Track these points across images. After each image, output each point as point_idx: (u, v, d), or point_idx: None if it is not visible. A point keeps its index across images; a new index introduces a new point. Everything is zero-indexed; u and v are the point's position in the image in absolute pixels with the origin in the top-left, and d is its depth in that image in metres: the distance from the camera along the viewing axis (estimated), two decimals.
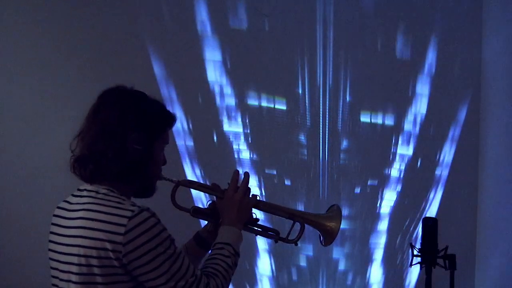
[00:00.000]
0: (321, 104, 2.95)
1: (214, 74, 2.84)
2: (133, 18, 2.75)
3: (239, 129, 2.89)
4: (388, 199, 3.06)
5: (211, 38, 2.82)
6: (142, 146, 1.45)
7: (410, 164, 3.06)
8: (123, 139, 1.42)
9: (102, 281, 1.36)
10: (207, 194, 1.75)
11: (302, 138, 2.96)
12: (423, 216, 2.79)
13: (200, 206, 2.05)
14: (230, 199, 1.67)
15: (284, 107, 2.93)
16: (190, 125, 2.83)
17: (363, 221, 3.04)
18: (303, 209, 2.94)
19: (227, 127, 2.87)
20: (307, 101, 2.94)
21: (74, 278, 1.39)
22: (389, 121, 3.03)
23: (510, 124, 2.84)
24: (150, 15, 2.77)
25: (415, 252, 2.42)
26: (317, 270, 3.02)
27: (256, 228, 1.81)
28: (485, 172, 3.06)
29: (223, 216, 1.67)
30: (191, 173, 2.84)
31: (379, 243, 3.07)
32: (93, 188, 1.45)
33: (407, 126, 3.04)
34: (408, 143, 3.05)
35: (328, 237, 1.82)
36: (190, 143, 2.84)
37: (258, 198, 1.74)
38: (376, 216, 3.05)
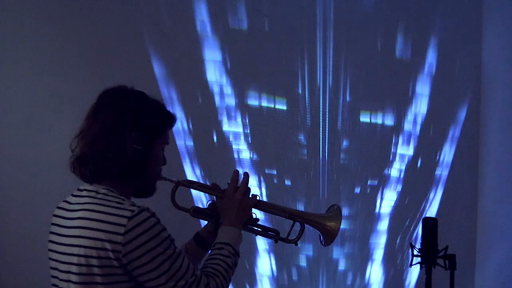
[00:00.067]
0: (321, 104, 2.95)
1: (214, 74, 2.83)
2: (133, 18, 2.74)
3: (239, 129, 2.89)
4: (388, 199, 3.06)
5: (211, 38, 2.82)
6: (142, 146, 1.45)
7: (410, 164, 3.06)
8: (123, 139, 1.42)
9: (102, 281, 1.36)
10: (207, 194, 1.75)
11: (302, 138, 2.96)
12: (423, 216, 2.79)
13: (200, 206, 2.05)
14: (230, 199, 1.67)
15: (284, 107, 2.93)
16: (190, 125, 2.83)
17: (363, 221, 3.04)
18: (303, 209, 2.94)
19: (227, 127, 2.87)
20: (307, 101, 2.94)
21: (73, 278, 1.39)
22: (389, 121, 3.03)
23: (510, 124, 2.84)
24: (150, 15, 2.77)
25: (415, 252, 2.42)
26: (317, 270, 3.02)
27: (256, 228, 1.81)
28: (485, 172, 3.06)
29: (223, 216, 1.67)
30: (191, 173, 2.84)
31: (379, 243, 3.07)
32: (92, 188, 1.45)
33: (407, 126, 3.04)
34: (408, 143, 3.05)
35: (328, 237, 1.82)
36: (190, 143, 2.84)
37: (258, 198, 1.74)
38: (376, 216, 3.05)
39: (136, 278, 1.38)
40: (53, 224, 1.49)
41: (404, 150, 3.06)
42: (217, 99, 2.84)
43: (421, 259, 2.40)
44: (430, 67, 3.05)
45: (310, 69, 2.93)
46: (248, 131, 2.89)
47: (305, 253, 3.00)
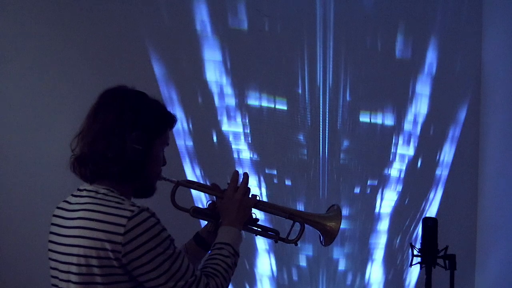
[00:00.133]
0: (321, 104, 2.95)
1: (214, 74, 2.83)
2: (133, 18, 2.74)
3: (239, 129, 2.89)
4: (388, 199, 3.06)
5: (211, 38, 2.82)
6: (142, 146, 1.45)
7: (410, 164, 3.06)
8: (123, 139, 1.43)
9: (102, 281, 1.36)
10: (207, 194, 1.76)
11: (302, 138, 2.96)
12: (423, 216, 2.79)
13: (200, 206, 2.05)
14: (230, 199, 1.67)
15: (284, 107, 2.93)
16: (190, 125, 2.83)
17: (363, 221, 3.04)
18: (303, 209, 2.94)
19: (227, 127, 2.87)
20: (307, 101, 2.94)
21: (73, 278, 1.39)
22: (389, 121, 3.03)
23: (510, 124, 2.84)
24: (150, 15, 2.77)
25: (415, 252, 2.42)
26: (317, 270, 3.02)
27: (256, 228, 1.81)
28: (485, 172, 3.06)
29: (223, 216, 1.67)
30: (191, 173, 2.84)
31: (379, 243, 3.07)
32: (92, 188, 1.45)
33: (407, 126, 3.04)
34: (408, 143, 3.05)
35: (328, 237, 1.83)
36: (190, 143, 2.84)
37: (258, 198, 1.74)
38: (376, 216, 3.05)
39: (136, 278, 1.38)
40: (53, 224, 1.49)
41: (404, 150, 3.06)
42: (217, 99, 2.84)
43: (421, 259, 2.40)
44: (430, 67, 3.04)
45: (310, 69, 2.93)
46: (248, 131, 2.89)
47: (305, 253, 3.00)
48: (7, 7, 2.62)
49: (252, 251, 2.93)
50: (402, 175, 3.06)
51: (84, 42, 2.69)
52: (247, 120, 2.88)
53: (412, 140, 3.05)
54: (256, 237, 2.73)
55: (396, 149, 3.04)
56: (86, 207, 1.41)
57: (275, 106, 2.92)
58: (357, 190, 3.02)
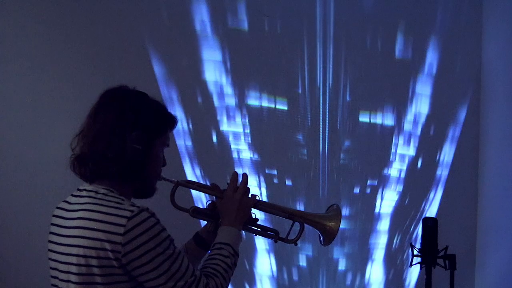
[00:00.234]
0: (321, 104, 2.95)
1: (214, 74, 2.83)
2: (133, 18, 2.74)
3: (239, 129, 2.89)
4: (388, 199, 3.06)
5: (211, 38, 2.82)
6: (142, 146, 1.45)
7: (410, 164, 3.06)
8: (123, 139, 1.43)
9: (102, 281, 1.36)
10: (207, 194, 1.76)
11: (302, 138, 2.96)
12: (423, 216, 2.79)
13: (200, 206, 2.05)
14: (230, 199, 1.67)
15: (285, 107, 2.93)
16: (190, 125, 2.83)
17: (363, 221, 3.04)
18: (303, 209, 2.94)
19: (227, 127, 2.87)
20: (307, 101, 2.94)
21: (73, 278, 1.39)
22: (389, 121, 3.03)
23: (510, 124, 2.84)
24: (150, 15, 2.77)
25: (415, 252, 2.42)
26: (317, 270, 3.02)
27: (256, 228, 1.81)
28: (485, 172, 3.06)
29: (223, 216, 1.67)
30: (191, 173, 2.84)
31: (379, 243, 3.07)
32: (92, 188, 1.45)
33: (407, 126, 3.04)
34: (408, 143, 3.05)
35: (328, 237, 1.83)
36: (190, 143, 2.84)
37: (257, 198, 1.74)
38: (376, 216, 3.05)
39: (136, 278, 1.38)
40: (52, 224, 1.49)
41: (404, 150, 3.06)
42: (217, 99, 2.84)
43: (421, 259, 2.40)
44: (430, 67, 3.04)
45: (310, 69, 2.93)
46: (248, 131, 2.89)
47: (305, 253, 3.00)
48: (7, 7, 2.62)
49: (252, 251, 2.93)
50: (402, 175, 3.06)
51: (84, 42, 2.69)
52: (247, 120, 2.88)
53: (412, 140, 3.05)
54: (256, 237, 2.73)
55: (396, 149, 3.04)
56: (86, 207, 1.41)
57: (275, 106, 2.92)
58: (357, 190, 3.02)
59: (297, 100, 2.94)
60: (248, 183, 1.72)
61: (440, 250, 2.36)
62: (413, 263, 2.44)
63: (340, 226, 1.82)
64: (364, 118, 3.01)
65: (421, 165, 3.08)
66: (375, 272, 3.07)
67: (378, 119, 3.02)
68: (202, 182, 2.52)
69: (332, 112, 2.96)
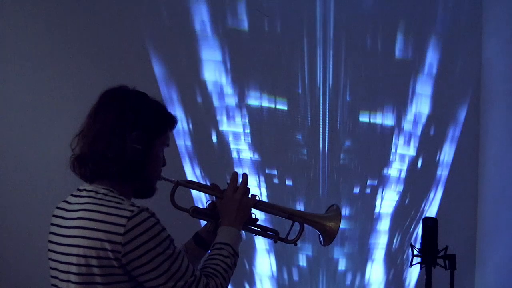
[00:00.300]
0: (321, 104, 2.95)
1: (214, 74, 2.84)
2: (133, 18, 2.74)
3: (239, 129, 2.89)
4: (388, 199, 3.06)
5: (211, 38, 2.82)
6: (142, 146, 1.45)
7: (410, 164, 3.06)
8: (123, 139, 1.43)
9: (102, 281, 1.36)
10: (206, 194, 1.76)
11: (302, 138, 2.96)
12: (423, 216, 2.79)
13: (200, 206, 2.05)
14: (230, 199, 1.67)
15: (285, 107, 2.94)
16: (190, 125, 2.83)
17: (363, 221, 3.04)
18: (303, 209, 2.94)
19: (226, 127, 2.87)
20: (307, 101, 2.94)
21: (73, 278, 1.39)
22: (389, 121, 3.03)
23: (510, 124, 2.84)
24: (150, 15, 2.77)
25: (415, 252, 2.42)
26: (317, 270, 3.02)
27: (256, 228, 1.81)
28: (485, 172, 3.06)
29: (223, 216, 1.67)
30: (191, 173, 2.84)
31: (379, 243, 3.07)
32: (92, 188, 1.45)
33: (407, 126, 3.04)
34: (408, 143, 3.05)
35: (328, 237, 1.82)
36: (190, 143, 2.84)
37: (257, 198, 1.74)
38: (376, 216, 3.05)
39: (136, 278, 1.38)
40: (52, 224, 1.49)
41: (404, 150, 3.06)
42: (217, 99, 2.85)
43: (421, 259, 2.40)
44: (430, 67, 3.05)
45: (310, 69, 2.93)
46: (248, 131, 2.89)
47: (305, 253, 3.00)
48: (7, 7, 2.63)
49: (252, 251, 2.93)
50: (402, 175, 3.06)
51: (84, 42, 2.69)
52: (247, 120, 2.88)
53: (412, 140, 3.05)
54: (255, 237, 2.73)
55: (396, 149, 3.04)
56: (85, 207, 1.41)
57: (275, 106, 2.92)
58: (357, 190, 3.02)
59: (297, 100, 2.94)
60: (248, 183, 1.72)
61: (440, 250, 2.36)
62: (413, 263, 2.44)
63: (340, 226, 1.81)
64: (364, 118, 3.01)
65: (421, 165, 3.08)
66: (375, 272, 3.07)
67: (378, 119, 3.02)
68: (202, 182, 2.52)
69: (332, 112, 2.96)
